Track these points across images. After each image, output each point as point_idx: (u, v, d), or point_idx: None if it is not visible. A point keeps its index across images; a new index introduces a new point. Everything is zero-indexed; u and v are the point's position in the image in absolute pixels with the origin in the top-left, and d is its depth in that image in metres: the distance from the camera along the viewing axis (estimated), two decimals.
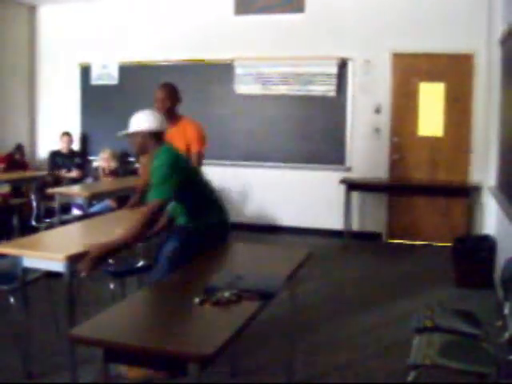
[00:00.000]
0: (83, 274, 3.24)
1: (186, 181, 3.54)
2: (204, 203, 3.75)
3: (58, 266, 3.29)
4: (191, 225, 3.68)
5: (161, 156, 3.53)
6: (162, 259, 3.65)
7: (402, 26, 7.27)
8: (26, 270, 3.63)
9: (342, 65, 7.61)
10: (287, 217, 8.07)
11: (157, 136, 3.59)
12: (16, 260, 3.51)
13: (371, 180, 7.50)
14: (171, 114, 4.89)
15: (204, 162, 5.10)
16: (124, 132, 3.69)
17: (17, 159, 8.18)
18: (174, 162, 3.51)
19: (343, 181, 7.40)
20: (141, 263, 4.62)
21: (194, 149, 4.96)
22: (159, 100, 4.89)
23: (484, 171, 6.75)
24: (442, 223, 7.40)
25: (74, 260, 3.26)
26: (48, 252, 3.47)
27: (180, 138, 4.85)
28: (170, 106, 4.89)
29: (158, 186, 3.43)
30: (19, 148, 8.32)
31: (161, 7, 8.39)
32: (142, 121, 3.59)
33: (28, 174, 7.71)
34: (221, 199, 3.94)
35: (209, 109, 8.20)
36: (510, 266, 3.33)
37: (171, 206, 3.71)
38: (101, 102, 8.76)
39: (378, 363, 3.95)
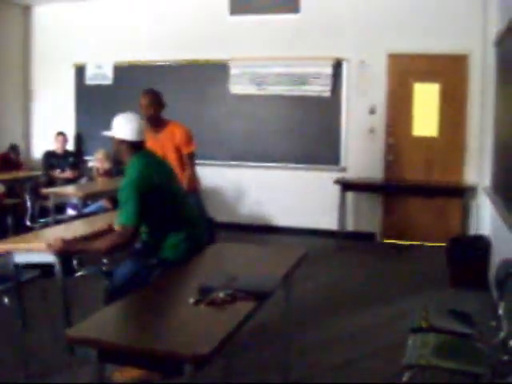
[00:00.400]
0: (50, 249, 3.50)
1: (154, 196, 3.44)
2: (170, 224, 3.57)
3: (47, 257, 3.46)
4: (152, 250, 3.58)
5: (129, 170, 3.46)
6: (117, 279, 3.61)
7: (398, 27, 7.27)
8: (21, 271, 3.63)
9: (337, 65, 7.61)
10: (282, 217, 8.06)
11: (130, 145, 3.51)
12: (7, 258, 3.52)
13: (366, 180, 7.51)
14: (156, 120, 5.00)
15: (196, 161, 5.21)
16: (105, 133, 3.66)
17: (11, 159, 8.14)
18: (142, 178, 3.41)
19: (338, 181, 7.40)
20: None
21: (185, 150, 5.07)
22: (143, 106, 4.99)
23: (479, 172, 6.76)
24: (437, 224, 7.41)
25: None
26: (37, 243, 3.54)
27: (168, 142, 4.98)
28: (154, 113, 4.98)
29: (125, 208, 3.36)
30: (14, 148, 8.30)
31: (156, 7, 8.37)
32: (118, 127, 3.53)
33: (22, 174, 7.69)
34: (195, 218, 3.77)
35: (204, 109, 8.20)
36: (505, 267, 3.33)
37: None
38: (95, 102, 8.73)
39: (372, 363, 3.95)
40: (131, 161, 3.50)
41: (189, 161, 5.07)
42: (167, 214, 3.55)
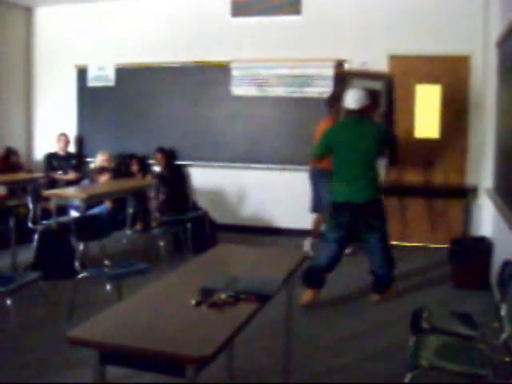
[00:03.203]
0: None
1: (331, 149, 5.01)
2: (338, 176, 5.01)
3: None
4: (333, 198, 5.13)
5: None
6: None
7: (399, 28, 7.28)
8: (23, 272, 3.63)
9: (339, 67, 7.61)
10: (283, 218, 8.07)
11: (346, 111, 5.06)
12: None
13: None
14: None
15: None
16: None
17: (11, 161, 8.12)
18: (327, 133, 5.14)
19: None
20: (136, 266, 4.63)
21: None
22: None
23: (480, 173, 6.76)
24: (439, 225, 7.41)
25: None
26: None
27: None
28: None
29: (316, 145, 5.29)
30: (10, 151, 8.23)
31: (157, 9, 8.38)
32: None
33: (24, 175, 7.69)
34: (350, 176, 4.94)
35: (205, 111, 8.21)
36: (507, 268, 3.33)
37: None
38: (97, 104, 8.75)
39: (374, 365, 3.95)
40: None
41: None
42: (336, 164, 5.03)
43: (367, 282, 5.94)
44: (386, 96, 6.47)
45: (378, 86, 6.36)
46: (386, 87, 6.45)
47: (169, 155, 7.94)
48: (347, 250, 6.52)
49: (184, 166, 8.32)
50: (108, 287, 4.33)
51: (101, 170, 7.45)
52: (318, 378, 3.77)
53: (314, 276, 5.14)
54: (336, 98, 6.20)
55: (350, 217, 4.92)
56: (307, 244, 6.78)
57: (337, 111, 6.16)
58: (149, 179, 7.56)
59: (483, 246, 5.75)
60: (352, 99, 4.93)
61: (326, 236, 5.12)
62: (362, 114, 4.96)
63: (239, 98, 8.08)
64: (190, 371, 2.05)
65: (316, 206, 6.64)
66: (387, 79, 6.35)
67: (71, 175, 8.21)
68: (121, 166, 8.03)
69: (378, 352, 4.15)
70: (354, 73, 6.24)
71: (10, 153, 8.20)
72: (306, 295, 5.07)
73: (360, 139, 4.89)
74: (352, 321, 4.82)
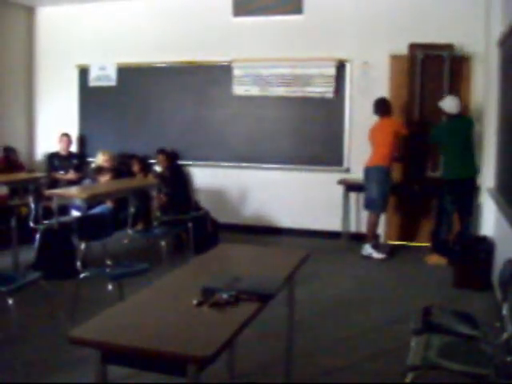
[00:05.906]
0: None
1: (444, 143, 6.57)
2: (449, 161, 6.54)
3: None
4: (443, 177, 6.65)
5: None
6: None
7: (400, 28, 7.27)
8: (24, 272, 3.63)
9: (340, 66, 7.61)
10: (285, 218, 8.07)
11: (445, 114, 6.57)
12: None
13: None
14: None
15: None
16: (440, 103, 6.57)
17: (11, 160, 8.11)
18: (435, 130, 6.64)
19: (341, 182, 7.40)
20: (138, 266, 4.62)
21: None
22: None
23: (482, 172, 6.75)
24: None
25: None
26: None
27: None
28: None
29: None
30: (8, 150, 8.22)
31: (159, 9, 8.38)
32: (444, 103, 6.52)
33: (26, 175, 7.69)
34: (451, 161, 6.53)
35: (207, 110, 8.21)
36: (509, 268, 3.33)
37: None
38: (99, 104, 8.76)
39: (376, 364, 3.95)
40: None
41: None
42: (444, 150, 6.63)
43: (369, 283, 5.95)
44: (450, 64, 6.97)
45: (445, 54, 6.92)
46: (450, 56, 6.93)
47: (171, 156, 7.94)
48: (380, 255, 6.83)
49: (185, 165, 8.33)
50: (109, 287, 4.33)
51: (99, 169, 7.45)
52: (319, 377, 3.76)
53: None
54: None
55: (458, 191, 6.48)
56: (368, 248, 6.94)
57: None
58: (150, 179, 7.56)
59: (485, 246, 5.75)
60: (452, 105, 6.45)
61: (446, 208, 6.55)
62: (460, 115, 6.54)
63: (240, 98, 8.08)
64: (192, 371, 2.05)
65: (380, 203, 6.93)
66: (450, 49, 6.93)
67: (70, 175, 8.21)
68: (121, 166, 8.03)
69: (378, 352, 4.15)
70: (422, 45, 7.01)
71: (8, 151, 8.19)
72: (436, 259, 6.56)
73: (461, 133, 6.49)
74: (353, 320, 4.81)
